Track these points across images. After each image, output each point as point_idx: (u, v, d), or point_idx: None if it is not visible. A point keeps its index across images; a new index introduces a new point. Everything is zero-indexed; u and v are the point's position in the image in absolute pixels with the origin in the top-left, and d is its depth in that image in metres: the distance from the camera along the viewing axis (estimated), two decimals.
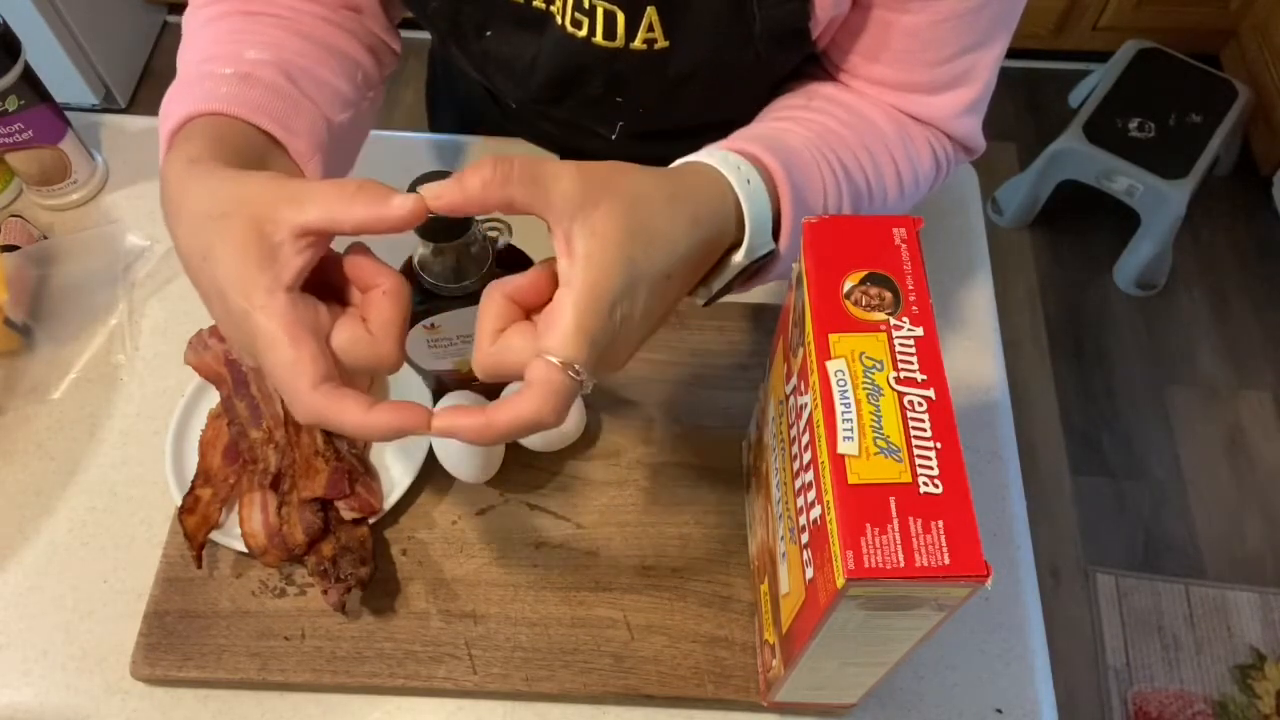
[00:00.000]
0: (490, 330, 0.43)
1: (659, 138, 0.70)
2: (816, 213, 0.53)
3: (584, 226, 0.41)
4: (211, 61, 0.54)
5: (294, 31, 0.57)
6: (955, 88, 0.61)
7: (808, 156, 0.55)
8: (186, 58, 0.56)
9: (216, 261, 0.41)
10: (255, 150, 0.50)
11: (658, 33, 0.59)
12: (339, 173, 0.59)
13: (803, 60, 0.64)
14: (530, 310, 0.44)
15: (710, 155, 0.50)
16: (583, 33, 0.60)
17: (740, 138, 0.54)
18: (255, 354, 0.42)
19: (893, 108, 0.63)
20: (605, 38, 0.60)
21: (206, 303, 0.44)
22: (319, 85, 0.56)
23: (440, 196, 0.41)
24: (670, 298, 0.45)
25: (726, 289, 0.51)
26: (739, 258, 0.49)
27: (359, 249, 0.45)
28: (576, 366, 0.40)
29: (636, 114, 0.67)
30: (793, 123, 0.59)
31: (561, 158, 0.80)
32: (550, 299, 0.42)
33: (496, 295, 0.44)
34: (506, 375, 0.43)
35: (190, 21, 0.59)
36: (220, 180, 0.44)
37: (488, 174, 0.40)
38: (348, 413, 0.41)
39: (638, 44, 0.60)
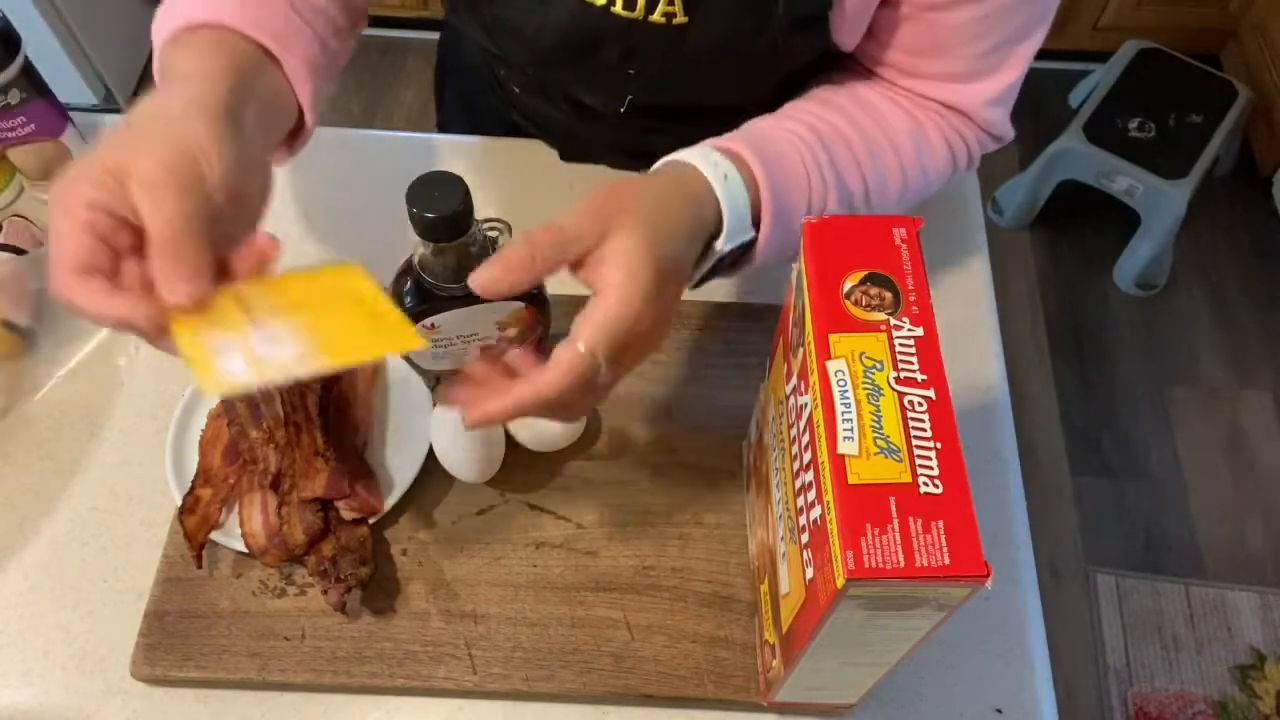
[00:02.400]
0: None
1: (663, 117, 0.71)
2: (799, 208, 0.57)
3: (607, 254, 0.47)
4: None
5: None
6: (988, 76, 0.63)
7: (795, 157, 0.58)
8: None
9: (106, 147, 0.43)
10: (250, 65, 0.51)
11: (677, 7, 0.60)
12: (325, 93, 0.61)
13: (823, 56, 0.65)
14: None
15: (690, 154, 0.55)
16: (601, 1, 0.60)
17: (729, 136, 0.58)
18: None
19: (912, 101, 0.64)
20: (625, 8, 0.60)
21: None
22: (316, 12, 0.59)
23: (494, 283, 0.47)
24: (680, 283, 0.52)
25: (711, 274, 0.57)
26: (720, 244, 0.54)
27: None
28: (597, 353, 0.47)
29: (647, 88, 0.68)
30: (796, 123, 0.61)
31: (565, 145, 0.82)
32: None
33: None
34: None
35: None
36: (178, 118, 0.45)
37: (523, 253, 0.46)
38: (84, 298, 0.41)
39: (656, 17, 0.60)
